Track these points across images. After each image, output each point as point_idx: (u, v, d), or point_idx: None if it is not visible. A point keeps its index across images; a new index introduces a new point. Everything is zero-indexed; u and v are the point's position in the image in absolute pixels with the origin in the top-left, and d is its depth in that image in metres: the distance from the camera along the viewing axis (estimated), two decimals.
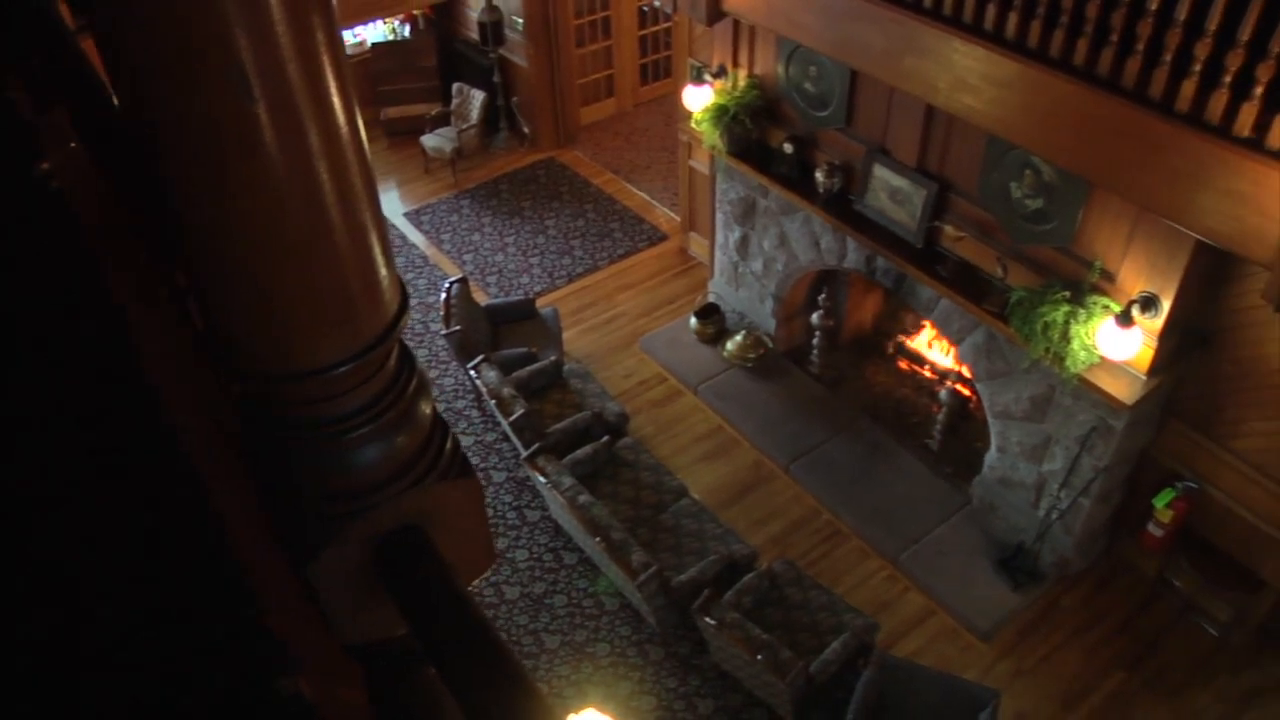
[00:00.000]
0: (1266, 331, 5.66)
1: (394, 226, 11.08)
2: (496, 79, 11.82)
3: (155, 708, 1.34)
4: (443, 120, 11.91)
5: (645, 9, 12.50)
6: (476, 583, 7.06)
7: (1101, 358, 5.78)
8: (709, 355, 9.07)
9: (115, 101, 1.35)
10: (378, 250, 1.32)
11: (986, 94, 5.43)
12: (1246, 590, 6.49)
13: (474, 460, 8.30)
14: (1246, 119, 4.43)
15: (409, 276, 10.31)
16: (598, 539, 6.51)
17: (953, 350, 7.70)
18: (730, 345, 8.94)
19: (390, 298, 1.38)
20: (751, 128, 7.73)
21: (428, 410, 1.53)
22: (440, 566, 1.48)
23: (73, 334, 1.85)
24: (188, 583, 1.49)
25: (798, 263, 8.21)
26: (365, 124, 1.27)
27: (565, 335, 9.18)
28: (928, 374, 8.54)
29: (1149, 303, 5.59)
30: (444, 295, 8.35)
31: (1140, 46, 4.69)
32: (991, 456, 7.30)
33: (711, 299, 9.50)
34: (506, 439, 8.30)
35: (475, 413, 8.72)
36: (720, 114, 7.72)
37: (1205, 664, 6.69)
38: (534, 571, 7.41)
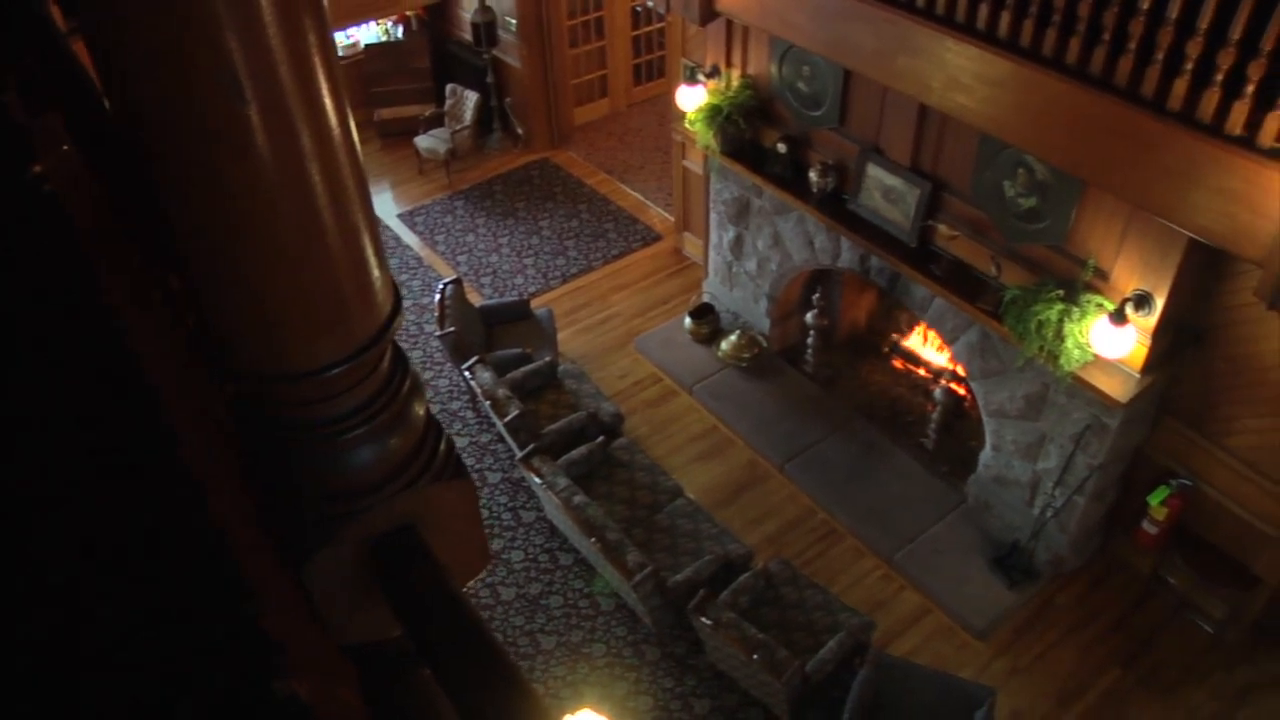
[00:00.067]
0: (1259, 329, 5.68)
1: (388, 228, 11.07)
2: (490, 80, 11.82)
3: (152, 709, 1.34)
4: (436, 121, 11.91)
5: (638, 9, 12.50)
6: (472, 584, 7.06)
7: (1095, 356, 5.79)
8: (704, 355, 9.07)
9: (107, 104, 1.35)
10: (370, 252, 1.32)
11: (979, 93, 5.45)
12: (1241, 587, 6.50)
13: (469, 461, 8.29)
14: (1238, 117, 4.45)
15: (403, 278, 10.31)
16: (593, 539, 6.51)
17: (947, 349, 7.70)
18: (725, 345, 8.94)
19: (383, 299, 1.38)
20: (745, 128, 7.73)
21: (421, 411, 1.54)
22: (435, 567, 1.48)
23: (68, 336, 1.85)
24: (185, 584, 1.49)
25: (792, 262, 8.22)
26: (359, 125, 1.27)
27: (560, 336, 9.18)
28: (922, 373, 8.55)
29: (1142, 301, 5.61)
30: (438, 296, 8.34)
31: (1132, 45, 4.71)
32: (986, 455, 7.31)
33: (706, 299, 9.51)
34: (501, 440, 8.30)
35: (470, 414, 8.72)
36: (714, 114, 7.73)
37: (1200, 661, 6.70)
38: (530, 572, 7.41)
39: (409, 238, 10.93)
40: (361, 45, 12.47)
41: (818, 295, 8.43)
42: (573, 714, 4.58)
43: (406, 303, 9.88)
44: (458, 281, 8.58)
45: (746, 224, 8.51)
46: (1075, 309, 5.76)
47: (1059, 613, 7.04)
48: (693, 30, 8.56)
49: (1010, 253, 6.30)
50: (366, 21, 11.99)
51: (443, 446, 1.57)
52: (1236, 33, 4.30)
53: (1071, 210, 5.78)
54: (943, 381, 7.97)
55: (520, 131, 12.17)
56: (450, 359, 8.50)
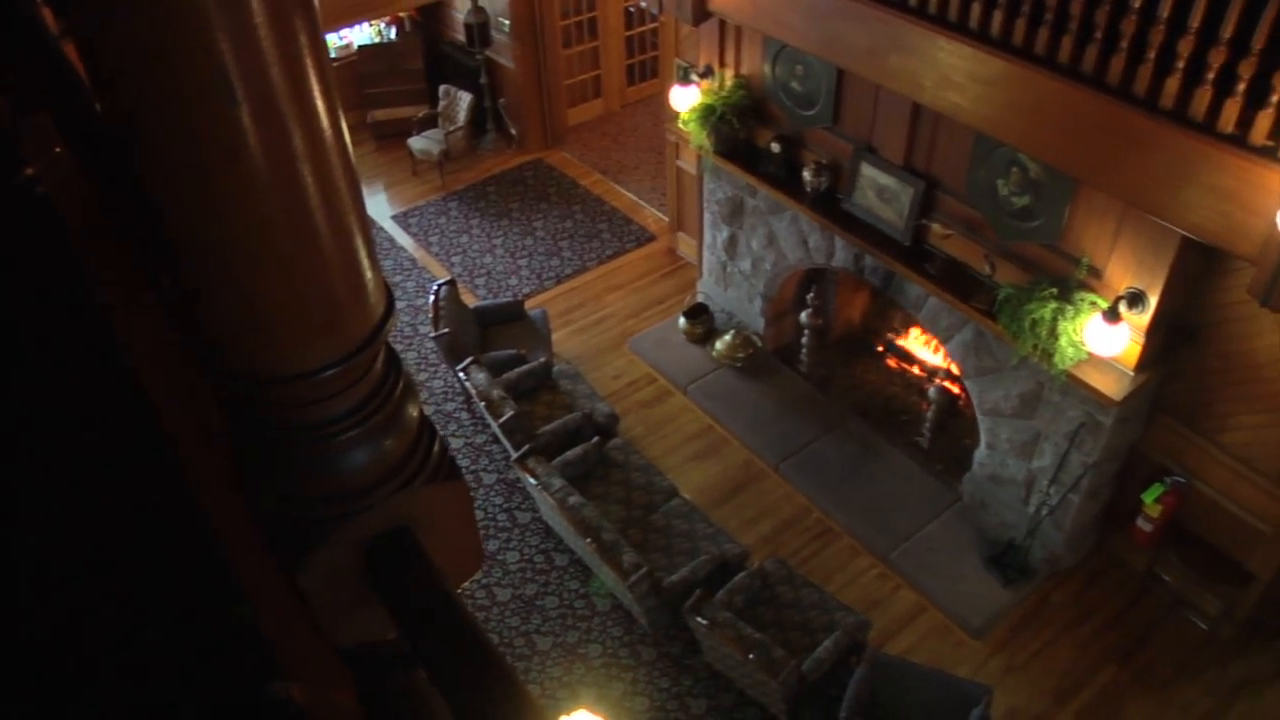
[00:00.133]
0: (1252, 326, 5.69)
1: (382, 229, 11.06)
2: (483, 80, 11.81)
3: (150, 711, 1.34)
4: (430, 122, 11.90)
5: (632, 10, 12.50)
6: (468, 585, 7.06)
7: (1089, 354, 5.80)
8: (698, 355, 9.07)
9: (98, 105, 1.34)
10: (363, 253, 1.32)
11: (972, 92, 5.45)
12: (1235, 584, 6.52)
13: (464, 462, 8.29)
14: (1230, 115, 4.46)
15: (397, 279, 10.30)
16: (589, 540, 6.51)
17: (941, 348, 7.71)
18: (719, 345, 8.94)
19: (376, 300, 1.38)
20: (739, 127, 7.74)
21: (415, 413, 1.54)
22: (429, 569, 1.48)
23: (61, 338, 1.84)
24: (179, 586, 1.48)
25: (786, 262, 8.23)
26: (352, 127, 1.27)
27: (554, 336, 9.18)
28: (917, 372, 8.56)
29: (1136, 299, 5.62)
30: (432, 297, 8.33)
31: (1124, 44, 4.72)
32: (981, 453, 7.32)
33: (700, 299, 9.51)
34: (496, 441, 8.29)
35: (465, 415, 8.72)
36: (707, 114, 7.73)
37: (1195, 657, 6.72)
38: (525, 573, 7.41)
39: (403, 239, 10.92)
40: (355, 47, 12.46)
41: (812, 295, 8.43)
42: (569, 715, 4.58)
43: (401, 304, 9.88)
44: (452, 283, 8.57)
45: (740, 224, 8.51)
46: (1069, 307, 5.77)
47: (1054, 610, 7.05)
48: (686, 30, 8.56)
49: (1004, 251, 6.31)
50: (360, 23, 11.98)
51: (436, 448, 1.57)
52: (1227, 31, 4.31)
53: (1065, 208, 5.79)
54: (937, 380, 7.98)
55: (514, 132, 12.17)
56: (445, 360, 8.49)
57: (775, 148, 7.55)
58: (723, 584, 6.50)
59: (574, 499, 6.77)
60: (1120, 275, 5.70)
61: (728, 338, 8.93)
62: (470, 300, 9.70)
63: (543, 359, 8.28)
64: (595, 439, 7.59)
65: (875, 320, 8.91)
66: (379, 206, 11.40)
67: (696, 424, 8.59)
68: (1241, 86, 4.38)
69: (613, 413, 7.99)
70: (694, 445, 8.41)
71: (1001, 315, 6.10)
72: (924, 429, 8.06)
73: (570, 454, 7.36)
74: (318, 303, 1.29)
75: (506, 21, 11.17)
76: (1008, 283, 6.17)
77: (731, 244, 8.77)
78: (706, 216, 8.95)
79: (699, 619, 6.03)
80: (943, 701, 5.87)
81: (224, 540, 1.56)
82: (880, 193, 6.92)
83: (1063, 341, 5.80)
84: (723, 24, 7.57)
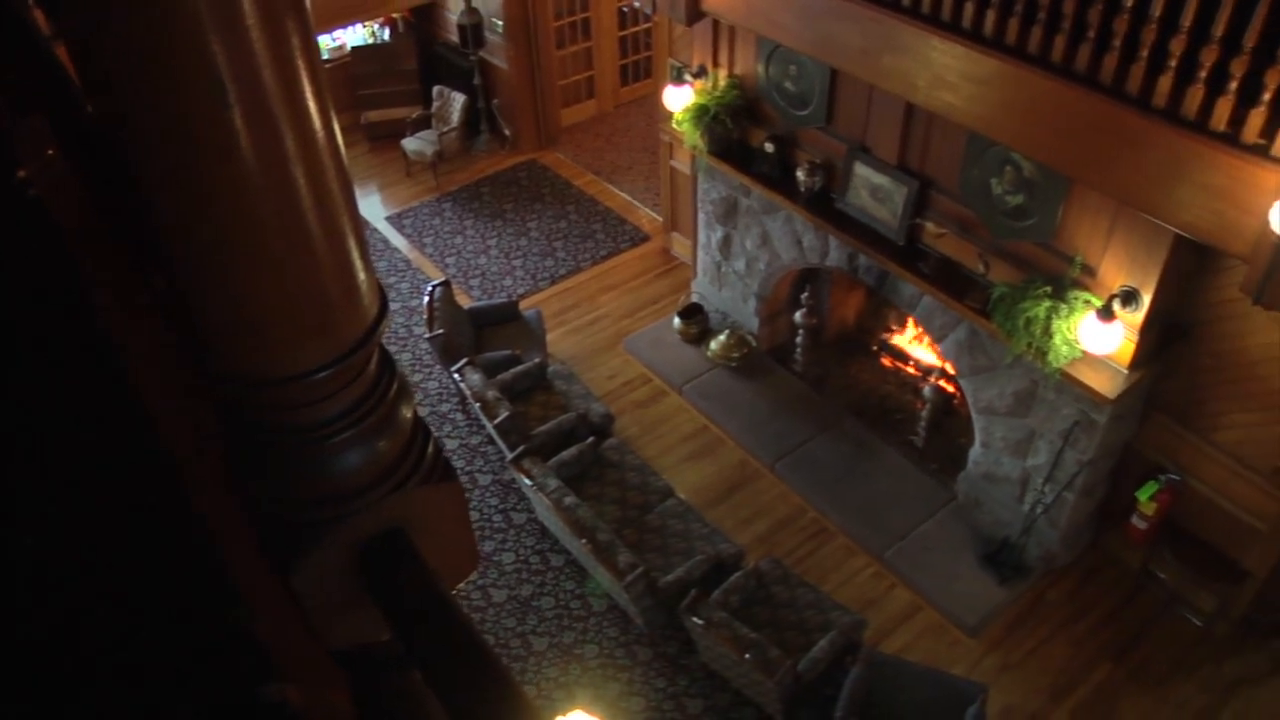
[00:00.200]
0: (1244, 324, 5.71)
1: (376, 230, 11.05)
2: (477, 81, 11.80)
3: (144, 713, 1.34)
4: (424, 123, 11.89)
5: (625, 10, 12.50)
6: (464, 586, 7.06)
7: (1083, 352, 5.81)
8: (693, 355, 9.08)
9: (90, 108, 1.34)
10: (356, 254, 1.32)
11: (965, 91, 5.46)
12: (1229, 581, 6.54)
13: (459, 463, 8.29)
14: (1222, 113, 4.47)
15: (391, 280, 10.29)
16: (584, 540, 6.51)
17: (936, 347, 7.72)
18: (714, 345, 8.95)
19: (369, 302, 1.38)
20: (732, 127, 7.74)
21: (409, 414, 1.54)
22: (423, 570, 1.48)
23: (56, 341, 1.84)
24: (175, 589, 1.48)
25: (780, 261, 8.23)
26: (346, 128, 1.28)
27: (549, 337, 9.17)
28: (911, 371, 8.57)
29: (1129, 297, 5.63)
30: (427, 298, 8.33)
31: (1117, 43, 4.73)
32: (976, 452, 7.33)
33: (694, 299, 9.51)
34: (491, 442, 8.29)
35: (460, 416, 8.71)
36: (701, 114, 7.73)
37: (1189, 655, 6.74)
38: (521, 574, 7.40)
39: (397, 240, 10.91)
40: (348, 48, 12.44)
41: (806, 294, 8.44)
42: (565, 715, 4.57)
43: (395, 305, 9.87)
44: (446, 283, 8.57)
45: (734, 224, 8.52)
46: (1063, 305, 5.78)
47: (1050, 608, 7.06)
48: (679, 30, 8.57)
49: (998, 250, 6.32)
50: (353, 24, 11.96)
51: (430, 449, 1.57)
52: (1219, 29, 4.32)
53: (1058, 207, 5.80)
54: (932, 379, 7.99)
55: (507, 133, 12.16)
56: (439, 361, 8.48)
57: (769, 147, 7.56)
58: (718, 584, 6.50)
59: (569, 499, 6.77)
60: (1114, 273, 5.71)
61: (722, 338, 8.93)
62: (465, 301, 9.70)
63: (537, 359, 8.27)
64: (590, 439, 7.59)
65: (869, 320, 8.92)
66: (373, 208, 11.39)
67: (691, 424, 8.60)
68: (1233, 85, 4.39)
69: (608, 413, 7.99)
70: (689, 445, 8.41)
71: (996, 314, 6.11)
72: (919, 428, 8.07)
73: (565, 454, 7.36)
74: (310, 304, 1.29)
75: (500, 22, 11.17)
76: (1002, 281, 6.18)
77: (726, 244, 8.77)
78: (701, 216, 8.95)
79: (695, 619, 6.03)
80: (938, 700, 5.87)
81: (219, 542, 1.55)
82: (874, 192, 6.92)
83: (1057, 340, 5.81)
84: (716, 24, 7.58)
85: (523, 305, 9.44)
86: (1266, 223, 4.31)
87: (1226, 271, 5.60)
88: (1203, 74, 4.46)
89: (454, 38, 11.62)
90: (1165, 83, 4.61)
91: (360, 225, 1.34)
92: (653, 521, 7.18)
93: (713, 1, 6.92)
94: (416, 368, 9.20)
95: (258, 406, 1.40)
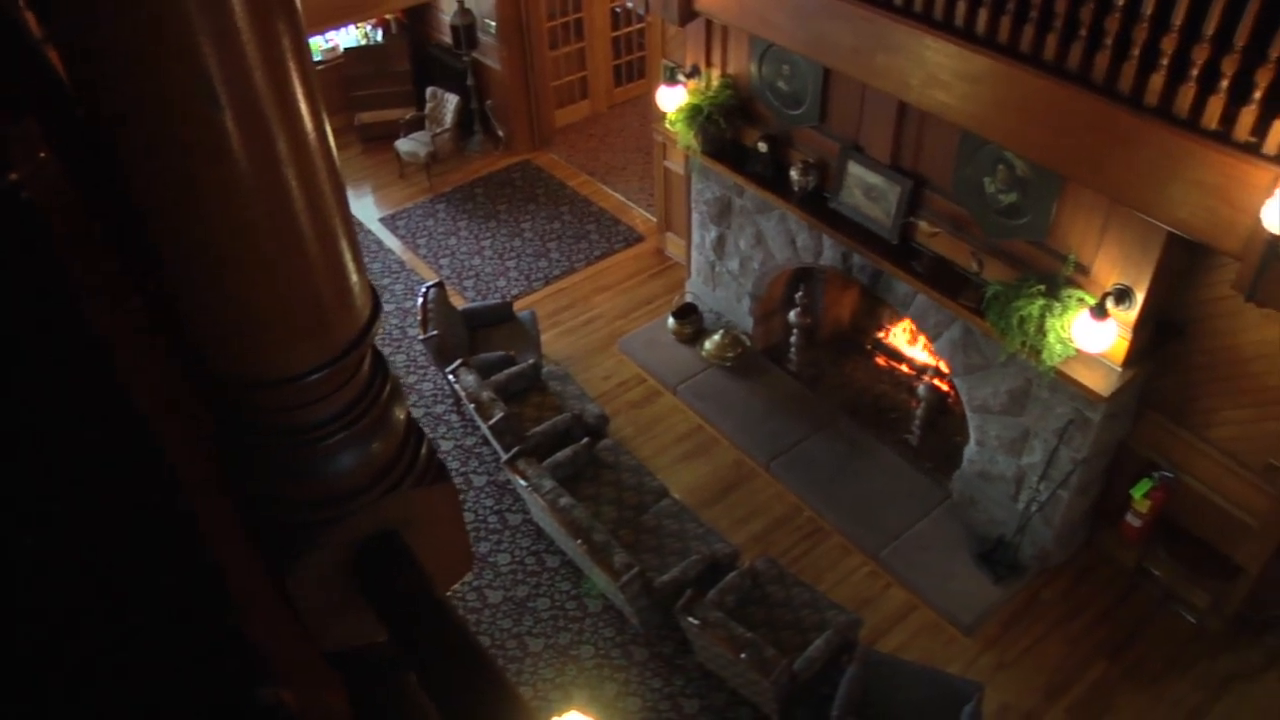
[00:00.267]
0: (1237, 321, 5.72)
1: (370, 232, 11.04)
2: (470, 82, 11.79)
3: (139, 716, 1.33)
4: (417, 124, 11.88)
5: (618, 10, 12.50)
6: (459, 587, 7.05)
7: (1077, 350, 5.82)
8: (687, 355, 9.08)
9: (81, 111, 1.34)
10: (348, 256, 1.32)
11: (958, 90, 5.47)
12: (1223, 578, 6.55)
13: (454, 465, 8.28)
14: (1214, 112, 4.49)
15: (385, 281, 10.28)
16: (579, 541, 6.51)
17: (930, 346, 7.73)
18: (708, 345, 8.95)
19: (362, 303, 1.38)
20: (725, 127, 7.74)
21: (402, 416, 1.53)
22: (418, 572, 1.48)
23: (48, 344, 1.84)
24: (170, 591, 1.48)
25: (774, 261, 8.24)
26: (339, 130, 1.27)
27: (543, 338, 9.17)
28: (906, 370, 8.58)
29: (1123, 295, 5.64)
30: (421, 300, 8.32)
31: (1109, 41, 4.74)
32: (970, 450, 7.34)
33: (689, 299, 9.52)
34: (486, 443, 8.28)
35: (454, 417, 8.70)
36: (694, 114, 7.73)
37: (1184, 651, 6.75)
38: (516, 575, 7.40)
39: (391, 241, 10.90)
40: (341, 49, 12.42)
41: (800, 294, 8.44)
42: (561, 716, 4.57)
43: (389, 306, 9.86)
44: (440, 285, 8.56)
45: (728, 223, 8.52)
46: (1057, 304, 5.79)
47: (1045, 607, 7.08)
48: (672, 31, 8.57)
49: (991, 248, 6.33)
50: (346, 25, 11.94)
51: (424, 450, 1.57)
52: (1210, 27, 4.33)
53: (1051, 205, 5.81)
54: (926, 378, 8.00)
55: (501, 134, 12.16)
56: (434, 362, 8.48)
57: (762, 147, 7.56)
58: (714, 584, 6.50)
59: (564, 500, 6.77)
60: (1107, 272, 5.72)
61: (716, 337, 8.93)
62: (459, 302, 9.68)
63: (532, 360, 8.27)
64: (585, 440, 7.59)
65: (864, 319, 8.93)
66: (366, 209, 11.38)
67: (686, 424, 8.60)
68: (1224, 83, 4.40)
69: (602, 413, 7.99)
70: (684, 445, 8.41)
71: (989, 312, 6.12)
72: (913, 427, 8.08)
73: (560, 455, 7.36)
74: (302, 306, 1.29)
75: (493, 23, 11.16)
76: (995, 280, 6.19)
77: (720, 244, 8.77)
78: (694, 216, 8.96)
79: (691, 619, 6.03)
80: (934, 699, 5.88)
81: (212, 545, 1.55)
82: (867, 191, 6.93)
83: (1051, 338, 5.82)
84: (709, 24, 7.58)
85: (517, 306, 9.44)
86: (1258, 220, 4.33)
87: (1219, 269, 5.61)
88: (1194, 72, 4.47)
89: (447, 39, 11.61)
90: (1157, 81, 4.62)
91: (352, 227, 1.34)
92: (648, 522, 7.18)
93: (705, 1, 6.92)
94: (411, 369, 9.20)
95: (250, 408, 1.40)
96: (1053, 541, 7.02)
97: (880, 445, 8.15)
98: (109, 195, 1.80)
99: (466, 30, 11.14)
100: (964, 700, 5.77)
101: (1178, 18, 4.42)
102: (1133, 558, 7.07)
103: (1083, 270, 5.83)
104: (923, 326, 7.21)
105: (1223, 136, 4.49)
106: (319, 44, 12.26)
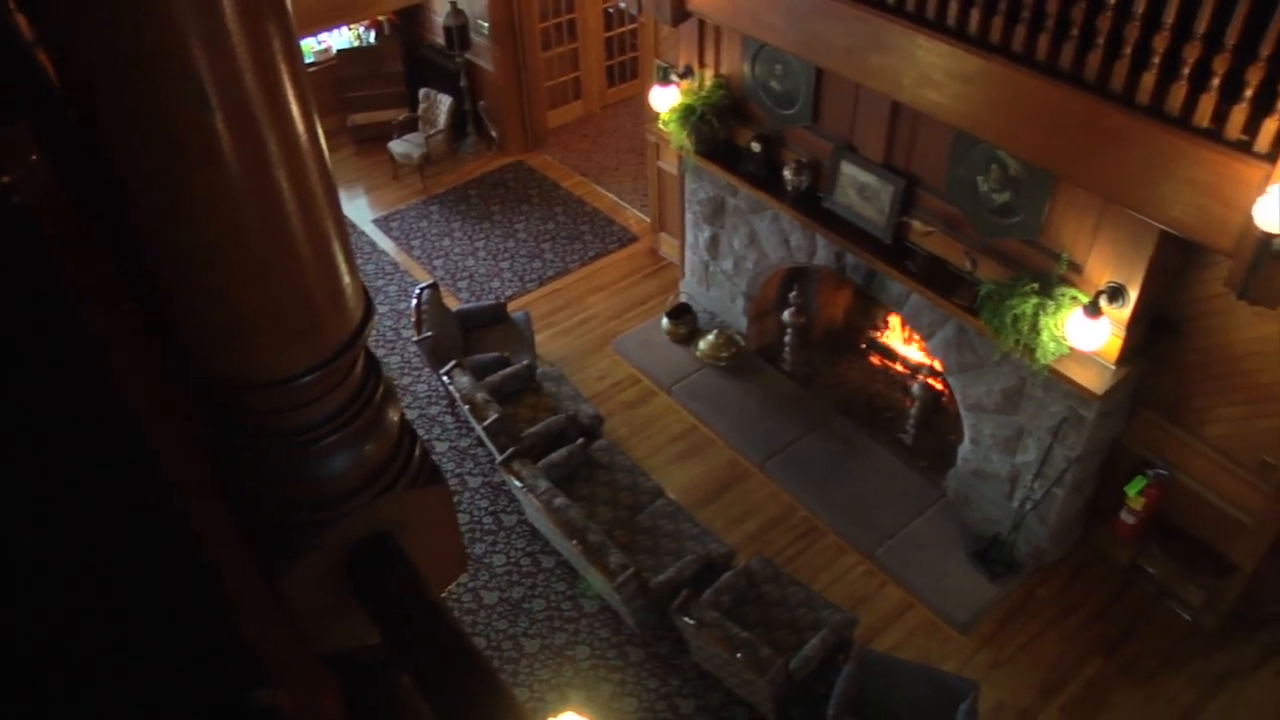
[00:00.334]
0: (1230, 319, 5.74)
1: (363, 233, 11.02)
2: (463, 83, 11.79)
3: (135, 716, 1.33)
4: (410, 126, 11.87)
5: (611, 11, 12.50)
6: (455, 588, 7.05)
7: (1071, 349, 5.83)
8: (681, 355, 9.08)
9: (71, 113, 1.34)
10: (340, 258, 1.32)
11: (951, 89, 5.48)
12: (1217, 575, 6.57)
13: (448, 466, 8.28)
14: (1205, 110, 4.50)
15: (379, 283, 10.27)
16: (575, 542, 6.50)
17: (924, 345, 7.74)
18: (702, 345, 8.95)
19: (354, 305, 1.38)
20: (719, 127, 7.75)
21: (395, 417, 1.53)
22: (412, 573, 1.48)
23: (40, 347, 1.83)
24: (163, 595, 1.48)
25: (768, 261, 8.24)
26: (332, 131, 1.27)
27: (537, 339, 9.17)
28: (900, 369, 8.59)
29: (1116, 293, 5.65)
30: (415, 301, 8.31)
31: (1100, 40, 4.75)
32: (965, 449, 7.35)
33: (683, 299, 9.52)
34: (481, 444, 8.28)
35: (449, 418, 8.70)
36: (687, 114, 7.73)
37: (1179, 649, 6.77)
38: (512, 576, 7.40)
39: (384, 243, 10.89)
40: (334, 50, 12.41)
41: (794, 293, 8.45)
42: (557, 717, 4.57)
43: (383, 308, 9.85)
44: (434, 286, 8.56)
45: (722, 223, 8.53)
46: (1050, 302, 5.80)
47: (1040, 604, 7.09)
48: (665, 31, 8.57)
49: (985, 247, 6.34)
50: (338, 26, 11.93)
51: (417, 452, 1.57)
52: (1201, 26, 4.34)
53: (1044, 204, 5.82)
54: (920, 377, 8.00)
55: (494, 135, 12.15)
56: (428, 364, 8.47)
57: (755, 147, 7.57)
58: (709, 584, 6.51)
59: (560, 501, 6.77)
60: (1100, 270, 5.73)
61: (711, 337, 8.94)
62: (453, 303, 9.68)
63: (526, 361, 8.27)
64: (580, 441, 7.59)
65: (858, 318, 8.94)
66: (360, 210, 11.36)
67: (681, 424, 8.60)
68: (1216, 81, 4.41)
69: (597, 414, 7.99)
70: (678, 445, 8.41)
71: (983, 311, 6.13)
72: (908, 426, 8.09)
73: (555, 456, 7.35)
74: (295, 308, 1.29)
75: (485, 24, 11.15)
76: (989, 279, 6.20)
77: (713, 244, 8.78)
78: (688, 216, 8.96)
79: (686, 619, 6.03)
80: (930, 697, 5.88)
81: (206, 546, 1.55)
82: (861, 191, 6.94)
83: (1044, 337, 5.83)
84: (702, 24, 7.58)
85: (511, 307, 9.43)
86: (1250, 218, 4.34)
87: (1212, 267, 5.62)
88: (1185, 70, 4.49)
89: (440, 40, 11.60)
90: (1149, 79, 4.63)
91: (344, 228, 1.34)
92: (643, 522, 7.18)
93: (698, 2, 6.93)
94: (405, 371, 9.19)
95: (243, 410, 1.40)
96: (1047, 539, 7.03)
97: (875, 444, 8.16)
98: (101, 197, 1.80)
99: (459, 31, 11.14)
100: (960, 698, 5.78)
101: (1169, 16, 4.43)
102: (1127, 555, 7.08)
103: (1076, 269, 5.84)
104: (916, 325, 7.22)
105: (1214, 135, 4.50)
106: (311, 45, 12.25)
